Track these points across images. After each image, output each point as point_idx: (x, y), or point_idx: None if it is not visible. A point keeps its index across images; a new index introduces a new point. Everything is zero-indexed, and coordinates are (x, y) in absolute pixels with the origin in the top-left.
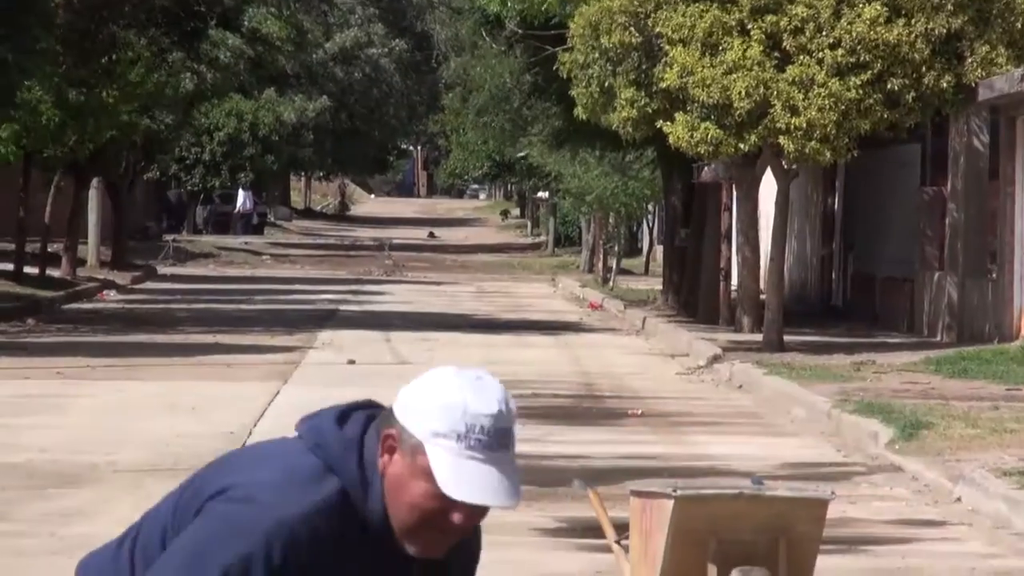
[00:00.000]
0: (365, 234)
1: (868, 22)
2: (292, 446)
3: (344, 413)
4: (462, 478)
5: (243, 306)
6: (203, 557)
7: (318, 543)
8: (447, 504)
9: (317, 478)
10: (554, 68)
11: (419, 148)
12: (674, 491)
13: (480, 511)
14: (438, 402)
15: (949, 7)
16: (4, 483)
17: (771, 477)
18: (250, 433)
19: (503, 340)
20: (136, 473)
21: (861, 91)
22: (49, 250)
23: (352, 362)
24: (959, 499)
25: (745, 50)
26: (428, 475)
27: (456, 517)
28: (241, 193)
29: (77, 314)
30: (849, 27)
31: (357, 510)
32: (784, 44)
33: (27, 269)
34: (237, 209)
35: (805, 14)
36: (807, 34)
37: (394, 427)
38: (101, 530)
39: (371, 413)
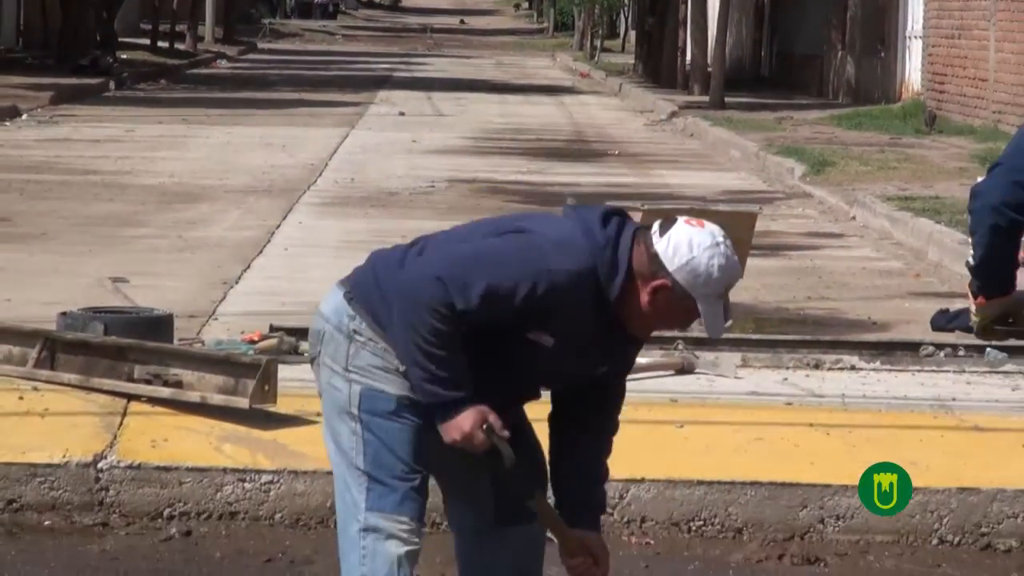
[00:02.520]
0: (412, 20)
1: None
2: (568, 224)
3: (606, 215)
4: (712, 320)
5: (321, 72)
6: (489, 260)
7: (566, 295)
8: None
9: (583, 254)
10: None
11: None
12: (642, 206)
13: None
14: (711, 273)
15: None
16: (143, 199)
17: (714, 199)
18: (326, 165)
19: (515, 99)
20: (241, 193)
21: None
22: (176, 29)
23: (402, 114)
24: (854, 218)
25: None
26: (690, 312)
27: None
28: None
29: (197, 77)
30: None
31: (600, 288)
32: None
33: (160, 43)
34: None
35: None
36: None
37: (667, 276)
38: (215, 232)
39: (622, 220)
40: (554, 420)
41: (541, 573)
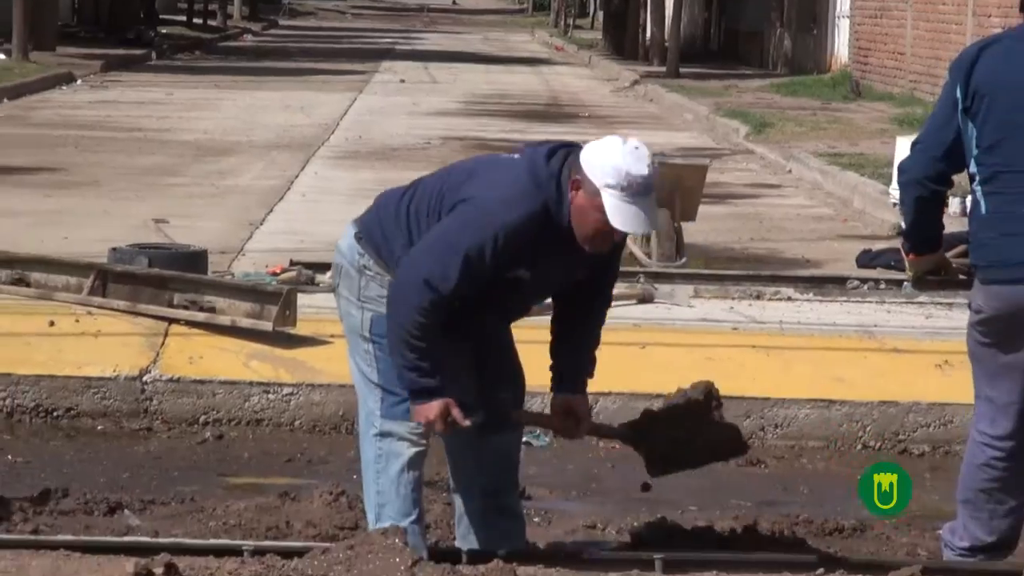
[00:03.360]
0: (411, 1)
1: None
2: (516, 169)
3: (552, 151)
4: (621, 216)
5: (333, 45)
6: (453, 242)
7: (527, 237)
8: (610, 227)
9: (531, 195)
10: None
11: None
12: None
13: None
14: (610, 164)
15: None
16: (181, 152)
17: (671, 154)
18: (337, 124)
19: (499, 69)
20: (264, 148)
21: None
22: (208, 8)
23: (403, 81)
24: (790, 171)
25: None
26: (601, 210)
27: (615, 235)
28: None
29: (226, 49)
30: None
31: (553, 219)
32: None
33: (194, 20)
34: None
35: None
36: None
37: (580, 174)
38: (242, 181)
39: (567, 151)
40: (556, 307)
41: (516, 474)
